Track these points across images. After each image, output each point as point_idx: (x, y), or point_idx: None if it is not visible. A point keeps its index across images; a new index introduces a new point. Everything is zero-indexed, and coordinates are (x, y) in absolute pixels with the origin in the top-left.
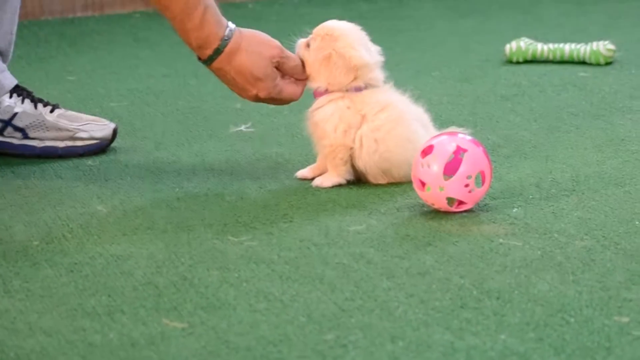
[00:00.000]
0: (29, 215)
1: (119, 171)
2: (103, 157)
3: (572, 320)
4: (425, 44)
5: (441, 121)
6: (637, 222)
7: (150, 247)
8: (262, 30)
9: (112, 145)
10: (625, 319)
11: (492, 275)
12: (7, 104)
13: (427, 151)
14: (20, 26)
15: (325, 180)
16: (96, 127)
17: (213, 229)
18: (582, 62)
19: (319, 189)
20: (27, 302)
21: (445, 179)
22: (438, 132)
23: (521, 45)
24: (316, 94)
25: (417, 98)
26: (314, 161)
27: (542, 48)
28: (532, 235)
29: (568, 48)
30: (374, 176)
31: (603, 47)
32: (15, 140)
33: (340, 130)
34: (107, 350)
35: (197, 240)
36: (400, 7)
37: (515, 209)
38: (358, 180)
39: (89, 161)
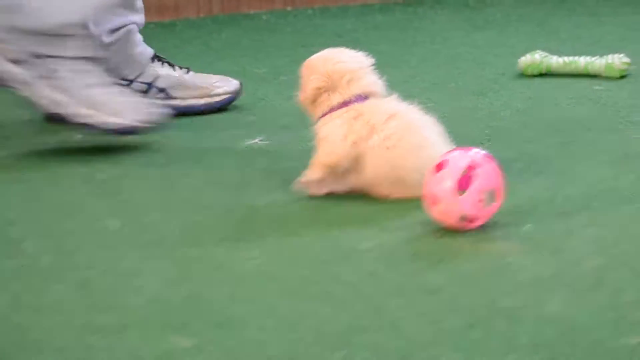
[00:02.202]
0: (40, 229)
1: (130, 185)
2: (114, 171)
3: (582, 341)
4: (441, 57)
5: (456, 135)
6: None
7: (161, 263)
8: (277, 42)
9: (124, 159)
10: (636, 340)
11: (502, 295)
12: (150, 67)
13: (440, 166)
14: None
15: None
16: (226, 83)
17: (223, 244)
18: (597, 76)
19: (328, 205)
20: (36, 317)
21: (458, 195)
22: (452, 145)
23: (536, 58)
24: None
25: (432, 110)
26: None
27: (556, 61)
28: (543, 253)
29: (583, 61)
30: (384, 187)
31: (618, 60)
32: (159, 101)
33: (349, 141)
34: None
35: (208, 256)
36: (415, 19)
37: (527, 225)
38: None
39: (101, 175)
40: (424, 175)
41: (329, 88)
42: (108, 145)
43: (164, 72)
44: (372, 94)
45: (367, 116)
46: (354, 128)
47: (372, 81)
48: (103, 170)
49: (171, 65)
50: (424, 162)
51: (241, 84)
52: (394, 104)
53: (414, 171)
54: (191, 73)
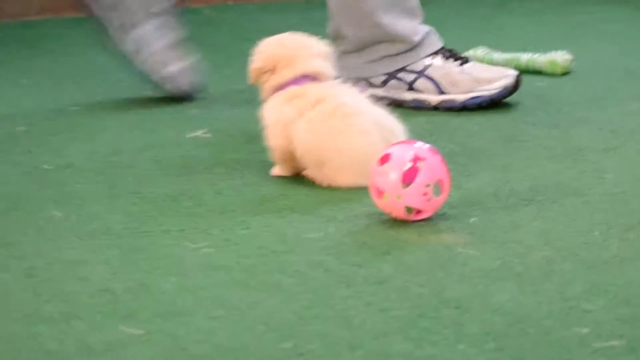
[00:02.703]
0: None
1: (75, 176)
2: (59, 162)
3: (532, 331)
4: None
5: None
6: (596, 233)
7: (107, 253)
8: (217, 36)
9: (68, 150)
10: (584, 330)
11: (450, 285)
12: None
13: (384, 159)
14: None
15: (274, 170)
16: (502, 76)
17: (170, 235)
18: (539, 72)
19: (275, 196)
20: None
21: (403, 188)
22: (402, 132)
23: (478, 53)
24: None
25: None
26: (271, 167)
27: (498, 57)
28: (490, 245)
29: (525, 58)
30: (312, 170)
31: (560, 57)
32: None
33: (280, 124)
34: (63, 356)
35: (154, 246)
36: None
37: (474, 218)
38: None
39: (46, 165)
40: (348, 160)
41: (268, 70)
42: (51, 136)
43: (434, 63)
44: (315, 76)
45: (299, 100)
46: (284, 111)
47: (314, 65)
48: (47, 161)
49: (445, 56)
50: (347, 149)
51: (518, 76)
52: (328, 89)
53: (333, 156)
54: (466, 65)
